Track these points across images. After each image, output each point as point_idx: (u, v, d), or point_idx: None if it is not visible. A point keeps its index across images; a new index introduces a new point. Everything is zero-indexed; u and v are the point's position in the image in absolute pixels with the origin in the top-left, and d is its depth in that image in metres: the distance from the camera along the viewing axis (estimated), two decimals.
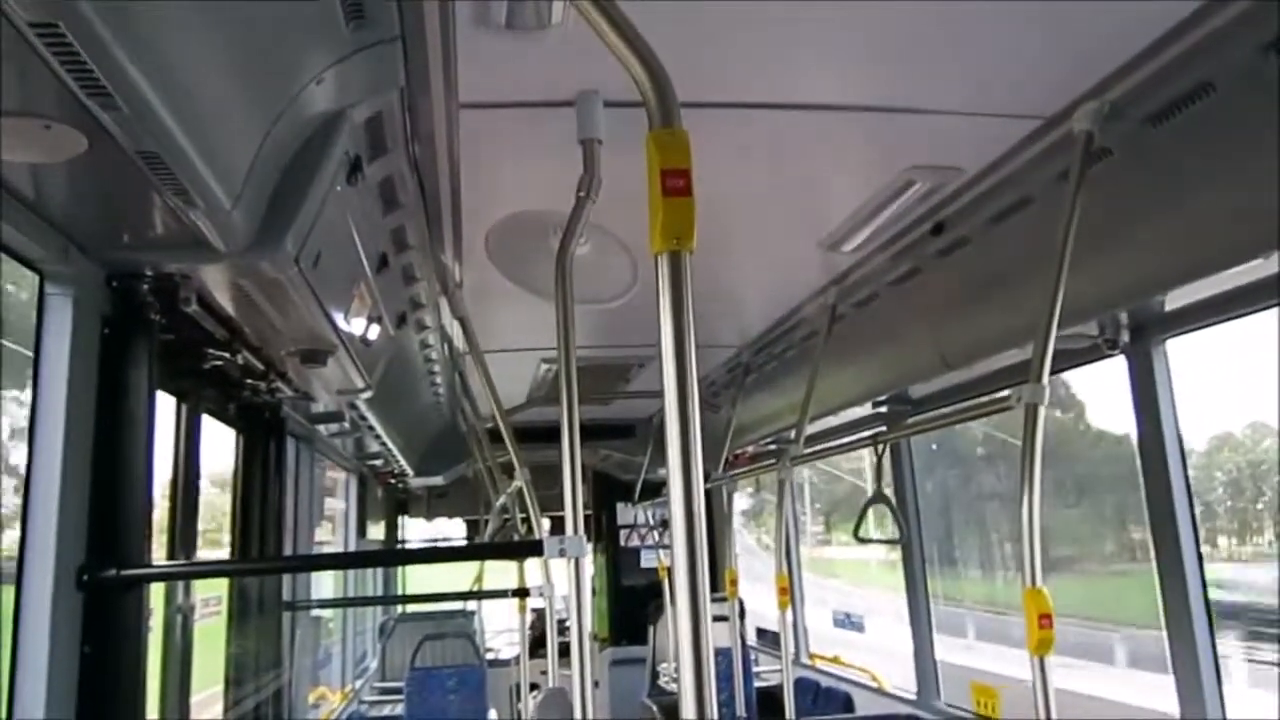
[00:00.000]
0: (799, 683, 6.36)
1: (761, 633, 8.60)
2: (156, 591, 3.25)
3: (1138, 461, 3.66)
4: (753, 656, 7.78)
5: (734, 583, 6.37)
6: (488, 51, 2.33)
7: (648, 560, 10.28)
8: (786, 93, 2.65)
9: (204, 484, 3.68)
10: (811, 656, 7.56)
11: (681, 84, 1.59)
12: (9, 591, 2.13)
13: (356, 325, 3.18)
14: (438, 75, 2.43)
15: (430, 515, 11.63)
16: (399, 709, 7.69)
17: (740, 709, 6.51)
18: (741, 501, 12.64)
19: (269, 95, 1.93)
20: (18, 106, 1.55)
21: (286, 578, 4.86)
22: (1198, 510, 3.51)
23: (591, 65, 1.88)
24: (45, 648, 2.09)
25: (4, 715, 2.07)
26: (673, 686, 7.26)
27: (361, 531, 8.58)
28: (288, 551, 4.68)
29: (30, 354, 2.19)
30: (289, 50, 1.91)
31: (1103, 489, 9.33)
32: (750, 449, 7.21)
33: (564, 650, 3.13)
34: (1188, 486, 3.51)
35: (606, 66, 1.65)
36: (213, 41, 1.61)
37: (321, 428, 5.31)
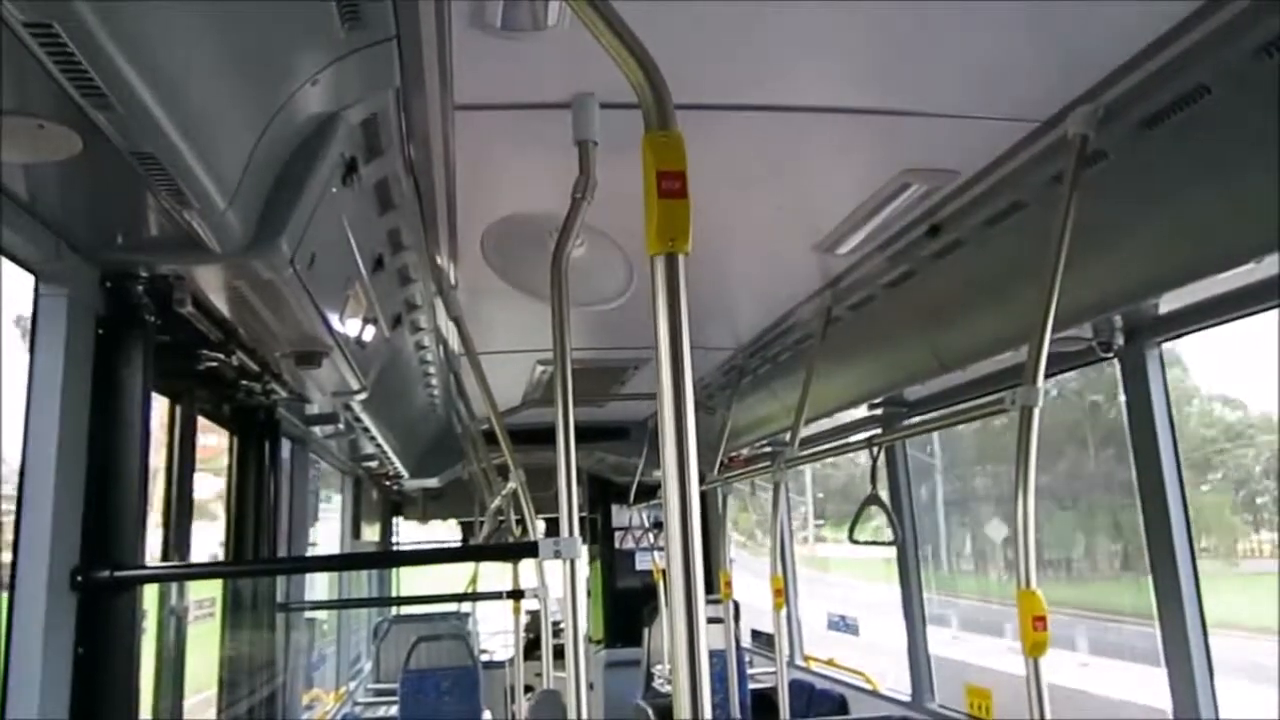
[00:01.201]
0: (793, 684, 6.37)
1: (756, 634, 8.61)
2: (150, 593, 3.24)
3: (1131, 461, 3.67)
4: (747, 658, 7.78)
5: (729, 584, 6.37)
6: (483, 53, 2.33)
7: (642, 562, 10.29)
8: (782, 95, 2.66)
9: None
10: (806, 658, 7.57)
11: (677, 86, 1.60)
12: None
13: (351, 326, 3.17)
14: (433, 77, 2.43)
15: (425, 517, 11.62)
16: (393, 710, 7.68)
17: (735, 711, 6.51)
18: None
19: (264, 96, 1.93)
20: (12, 106, 1.55)
21: (281, 579, 4.85)
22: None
23: (587, 67, 1.88)
24: (39, 649, 2.09)
25: None
26: (667, 688, 7.25)
27: (356, 533, 8.57)
28: (282, 553, 4.67)
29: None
30: (284, 51, 1.91)
31: (1216, 466, 8.56)
32: (745, 451, 7.21)
33: (559, 652, 3.13)
34: (1181, 488, 3.53)
35: (602, 68, 1.65)
36: (208, 42, 1.61)
37: (316, 429, 5.30)
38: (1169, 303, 3.31)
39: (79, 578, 2.20)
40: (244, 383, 3.45)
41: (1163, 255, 2.77)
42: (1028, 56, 2.46)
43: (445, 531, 12.66)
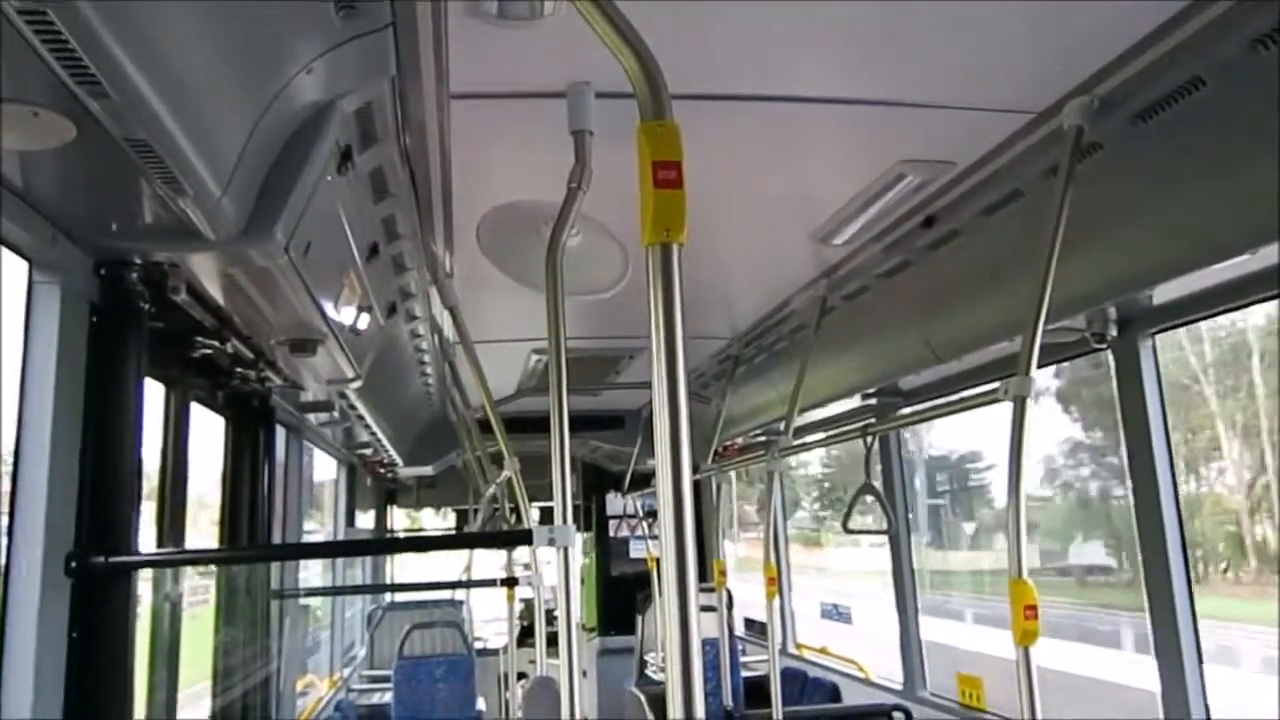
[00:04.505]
0: (786, 673, 6.40)
1: (749, 623, 8.65)
2: (144, 580, 3.24)
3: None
4: (740, 647, 7.82)
5: (722, 573, 6.40)
6: (479, 42, 2.33)
7: (636, 550, 10.32)
8: (778, 85, 2.66)
9: None
10: (799, 646, 7.61)
11: (673, 76, 1.59)
12: None
13: (346, 314, 3.17)
14: (429, 65, 2.43)
15: (419, 505, 11.65)
16: (387, 697, 7.70)
17: (727, 699, 6.55)
18: None
19: (259, 84, 1.92)
20: (6, 94, 1.54)
21: (275, 566, 4.86)
22: None
23: (583, 56, 1.88)
24: (33, 634, 2.09)
25: None
26: (660, 676, 7.29)
27: (350, 520, 8.58)
28: (276, 540, 4.68)
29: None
30: (279, 39, 1.90)
31: None
32: (739, 440, 7.23)
33: (552, 640, 3.14)
34: (1173, 478, 3.56)
35: (598, 58, 1.65)
36: (202, 29, 1.60)
37: (311, 417, 5.30)
38: (1163, 294, 3.32)
39: (73, 564, 2.21)
40: (238, 370, 3.45)
41: (1157, 246, 2.78)
42: (1023, 47, 2.46)
43: (438, 524, 12.67)
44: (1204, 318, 3.38)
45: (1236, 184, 2.41)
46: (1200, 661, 3.46)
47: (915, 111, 2.78)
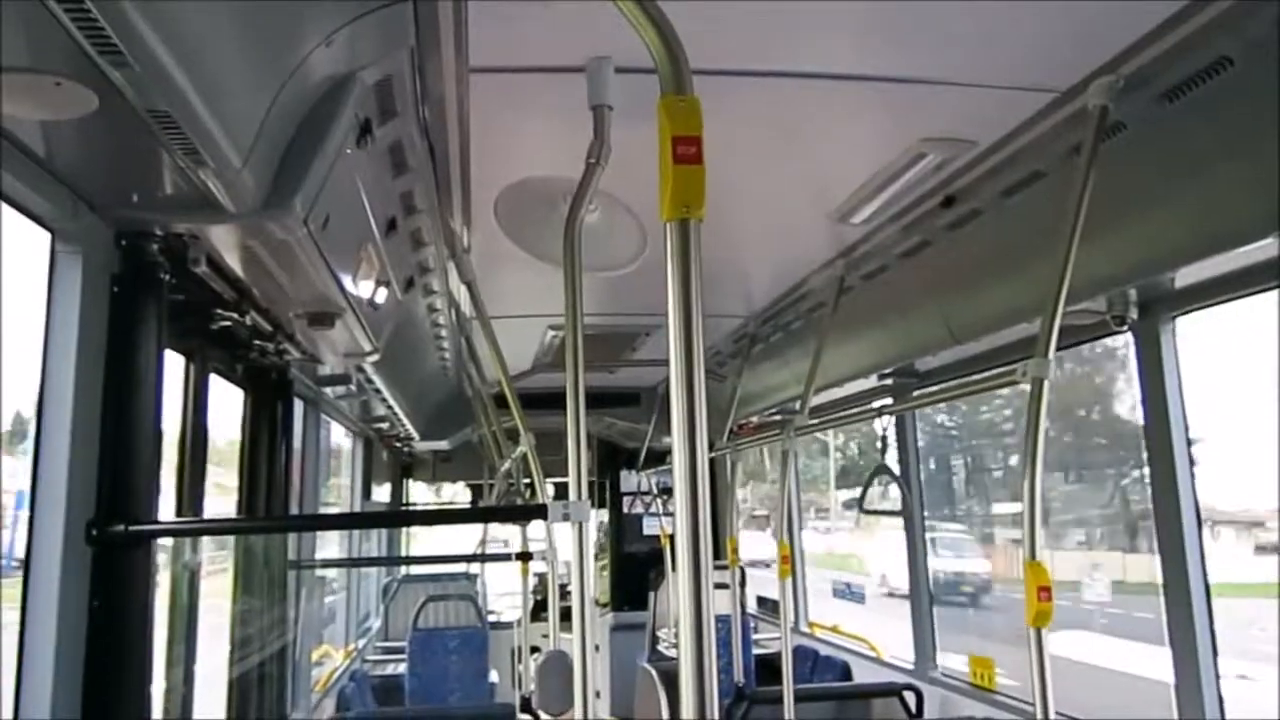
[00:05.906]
0: (798, 650, 6.42)
1: (762, 601, 8.68)
2: (163, 549, 3.28)
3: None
4: (752, 624, 7.85)
5: (735, 551, 6.41)
6: (499, 15, 2.32)
7: (650, 527, 10.35)
8: (800, 61, 2.63)
9: None
10: (811, 625, 7.63)
11: (694, 51, 1.58)
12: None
13: (364, 288, 3.18)
14: (448, 38, 2.42)
15: (435, 479, 11.71)
16: (401, 668, 7.78)
17: (739, 676, 6.57)
18: None
19: (279, 55, 1.92)
20: (30, 64, 1.55)
21: (292, 537, 4.90)
22: None
23: (603, 30, 1.87)
24: (55, 601, 2.12)
25: (15, 666, 2.10)
26: (672, 652, 7.33)
27: (366, 493, 8.64)
28: (294, 511, 4.71)
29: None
30: (300, 10, 1.90)
31: None
32: (755, 419, 7.22)
33: (565, 614, 3.16)
34: (1191, 464, 3.54)
35: (618, 31, 1.64)
36: (223, 1, 1.60)
37: (328, 390, 5.32)
38: (1185, 277, 3.29)
39: (94, 531, 2.23)
40: (257, 342, 3.46)
41: (1181, 228, 2.75)
42: (1047, 25, 2.43)
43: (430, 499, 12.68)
44: (1228, 301, 3.34)
45: (1264, 166, 2.37)
46: (1215, 653, 3.45)
47: (937, 89, 2.75)
